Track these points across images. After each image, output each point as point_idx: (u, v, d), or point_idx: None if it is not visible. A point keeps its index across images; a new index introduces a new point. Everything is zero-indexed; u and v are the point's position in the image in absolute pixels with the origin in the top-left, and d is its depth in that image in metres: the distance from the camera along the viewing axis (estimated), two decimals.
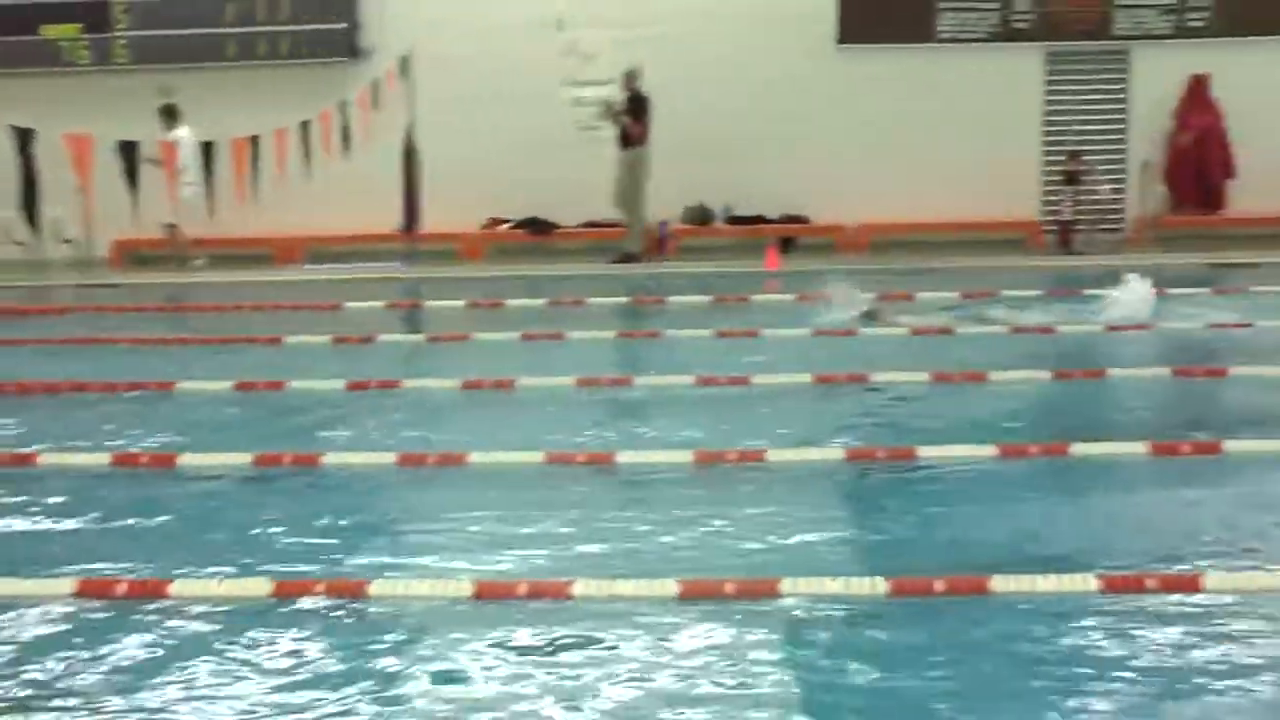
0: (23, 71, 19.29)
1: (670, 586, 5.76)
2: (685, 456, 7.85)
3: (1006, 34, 19.24)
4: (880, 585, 5.71)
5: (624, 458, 7.90)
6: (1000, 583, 5.67)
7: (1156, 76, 19.04)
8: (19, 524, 7.07)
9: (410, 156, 17.71)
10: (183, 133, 17.51)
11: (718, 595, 5.68)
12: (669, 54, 18.44)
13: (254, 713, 4.81)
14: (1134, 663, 5.02)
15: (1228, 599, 5.59)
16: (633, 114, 17.55)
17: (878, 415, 8.99)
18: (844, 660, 5.10)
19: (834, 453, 7.86)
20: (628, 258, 17.58)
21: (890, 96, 18.94)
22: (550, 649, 5.25)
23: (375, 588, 5.86)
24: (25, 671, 5.19)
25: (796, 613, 5.52)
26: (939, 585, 5.69)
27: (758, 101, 18.77)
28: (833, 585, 5.72)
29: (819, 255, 18.09)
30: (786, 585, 5.71)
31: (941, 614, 5.48)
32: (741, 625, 5.40)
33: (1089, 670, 4.96)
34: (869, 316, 12.38)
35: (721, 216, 19.24)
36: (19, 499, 7.46)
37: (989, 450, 7.79)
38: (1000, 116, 18.89)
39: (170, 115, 17.66)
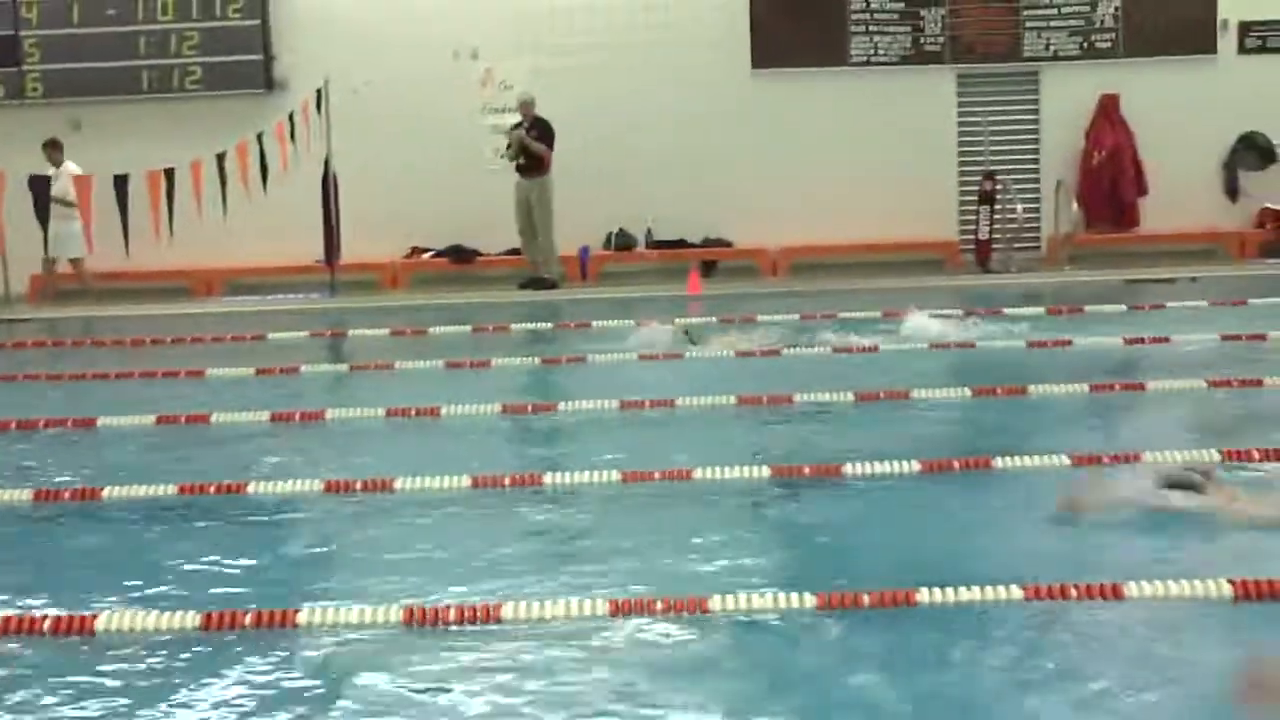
0: None
1: (601, 605, 5.77)
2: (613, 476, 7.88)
3: (919, 57, 19.48)
4: None
5: (550, 479, 7.91)
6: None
7: (1067, 97, 19.34)
8: None
9: (329, 187, 17.64)
10: (71, 167, 17.48)
11: (649, 612, 5.70)
12: (587, 81, 18.56)
13: None
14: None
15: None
16: (543, 140, 17.62)
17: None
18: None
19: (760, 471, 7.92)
20: (546, 284, 17.62)
21: (806, 120, 19.11)
22: (484, 671, 5.25)
23: (304, 616, 5.83)
24: None
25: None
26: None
27: (676, 127, 18.89)
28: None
29: (741, 279, 18.19)
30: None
31: None
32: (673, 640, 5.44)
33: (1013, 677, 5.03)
34: (688, 337, 12.66)
35: (644, 241, 19.30)
36: None
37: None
38: (916, 138, 19.10)
39: (56, 149, 17.61)
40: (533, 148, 17.58)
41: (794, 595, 5.73)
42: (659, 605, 5.74)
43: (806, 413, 9.72)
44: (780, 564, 6.51)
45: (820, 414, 9.67)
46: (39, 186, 17.32)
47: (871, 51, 19.45)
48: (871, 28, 19.44)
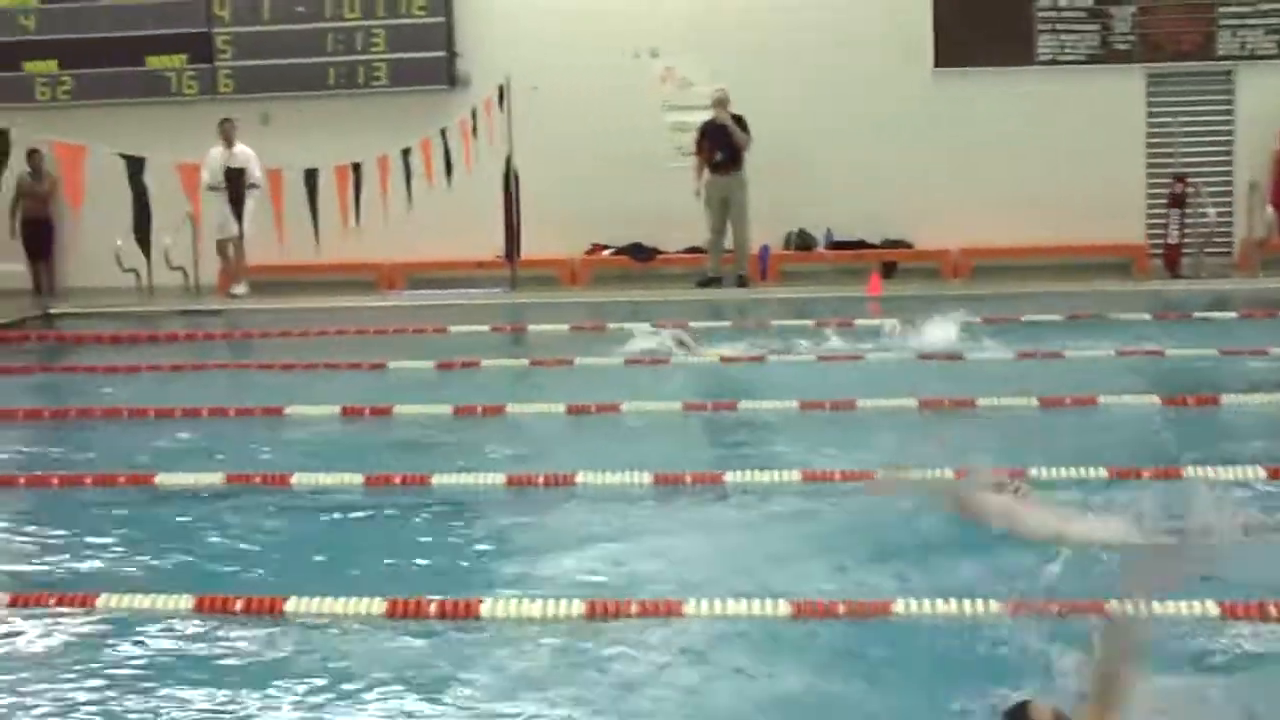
0: (131, 101, 19.65)
1: (784, 606, 5.73)
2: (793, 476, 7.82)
3: (1107, 56, 19.05)
4: None
5: (731, 478, 7.88)
6: None
7: (1263, 96, 18.76)
8: (132, 542, 7.16)
9: (510, 183, 17.79)
10: (247, 149, 17.96)
11: (831, 614, 5.64)
12: (768, 79, 18.46)
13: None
14: None
15: None
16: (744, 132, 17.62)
17: None
18: None
19: None
20: (733, 281, 17.60)
21: (990, 120, 18.80)
22: (668, 667, 5.24)
23: (486, 608, 5.87)
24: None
25: None
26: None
27: (857, 126, 18.71)
28: None
29: (922, 280, 17.97)
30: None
31: None
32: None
33: None
34: (680, 344, 12.49)
35: (823, 242, 19.16)
36: (139, 518, 7.59)
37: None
38: (1103, 139, 18.68)
39: (233, 128, 18.07)
40: (739, 138, 17.49)
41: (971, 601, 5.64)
42: (841, 609, 5.70)
43: (987, 417, 9.55)
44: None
45: (1003, 418, 9.50)
46: (231, 176, 17.70)
47: (1058, 50, 19.07)
48: (1059, 26, 19.06)
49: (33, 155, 18.41)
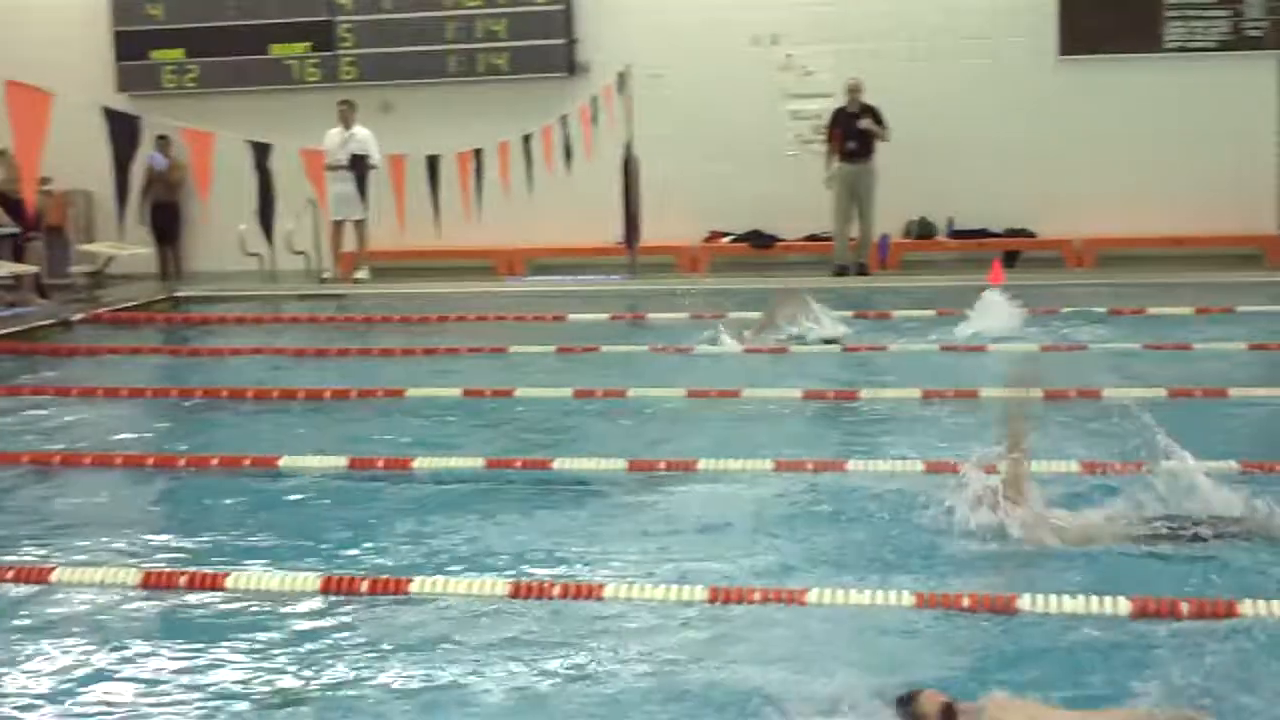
0: (254, 89, 19.91)
1: (907, 597, 5.67)
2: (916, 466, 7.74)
3: (1239, 43, 18.64)
4: None
5: (852, 466, 7.82)
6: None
7: None
8: (257, 523, 7.25)
9: (630, 170, 17.80)
10: (365, 131, 18.11)
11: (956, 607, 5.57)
12: (888, 67, 18.30)
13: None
14: None
15: None
16: (879, 124, 17.43)
17: None
18: None
19: None
20: (859, 270, 17.46)
21: (1116, 108, 18.49)
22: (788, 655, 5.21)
23: (610, 590, 5.86)
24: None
25: None
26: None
27: (980, 114, 18.49)
28: None
29: (1045, 270, 17.73)
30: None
31: None
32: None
33: None
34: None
35: (944, 230, 18.97)
36: (264, 499, 7.70)
37: None
38: (1233, 128, 18.29)
39: (352, 110, 18.26)
40: (878, 134, 17.33)
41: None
42: (965, 602, 5.63)
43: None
44: None
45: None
46: (354, 160, 17.83)
47: (1187, 37, 18.70)
48: (1188, 12, 18.69)
49: (161, 141, 18.74)
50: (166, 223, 19.44)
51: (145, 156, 18.03)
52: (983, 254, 17.84)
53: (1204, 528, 6.36)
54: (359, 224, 18.21)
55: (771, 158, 18.45)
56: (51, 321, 15.04)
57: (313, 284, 18.04)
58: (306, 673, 5.21)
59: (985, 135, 18.39)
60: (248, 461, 8.35)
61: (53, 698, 5.08)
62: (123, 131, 10.72)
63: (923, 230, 18.97)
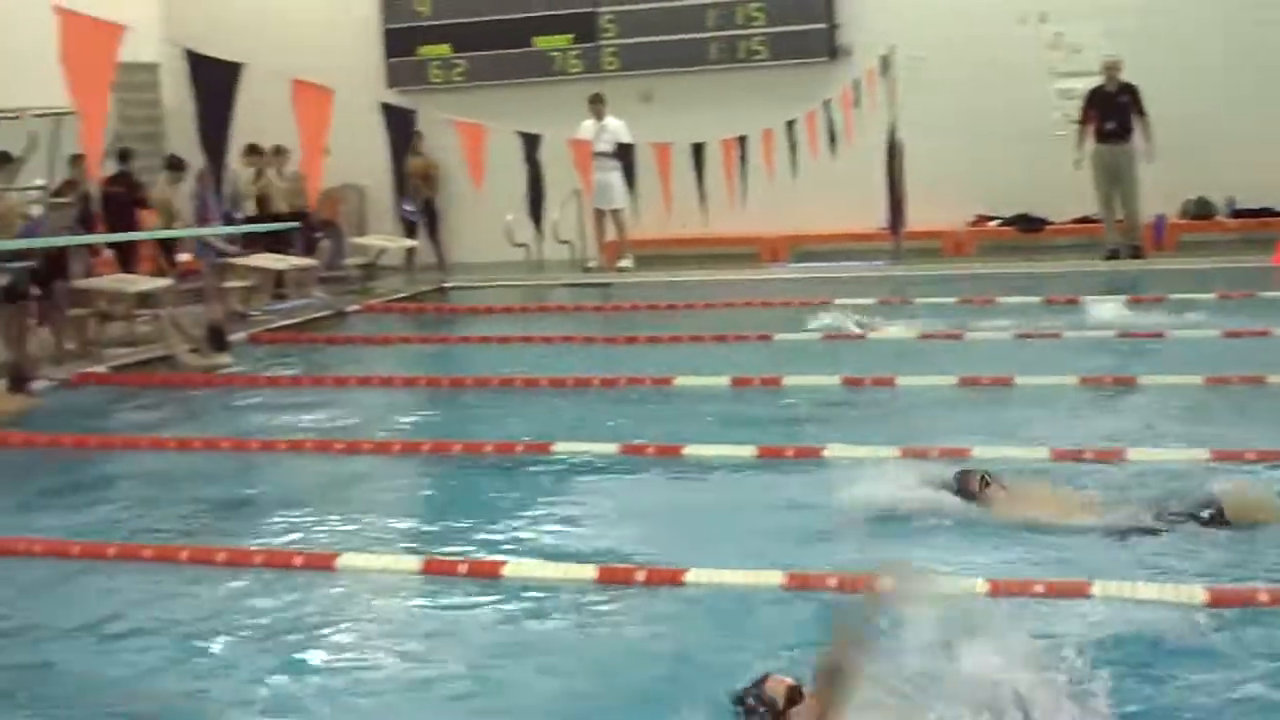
0: (518, 82, 20.20)
1: (1200, 593, 5.43)
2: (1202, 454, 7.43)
3: None
4: None
5: (1133, 455, 7.55)
6: None
7: None
8: (531, 510, 7.32)
9: (894, 154, 17.54)
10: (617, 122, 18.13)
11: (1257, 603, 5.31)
12: (1163, 42, 17.66)
13: None
14: None
15: None
16: (1137, 106, 16.84)
17: None
18: None
19: None
20: (1133, 253, 16.90)
21: None
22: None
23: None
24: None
25: None
26: None
27: (1260, 88, 17.69)
28: None
29: None
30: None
31: None
32: None
33: None
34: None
35: (1224, 210, 18.22)
36: (538, 485, 7.77)
37: None
38: None
39: (602, 104, 18.31)
40: (1141, 117, 16.76)
41: None
42: (1264, 597, 5.41)
43: None
44: None
45: None
46: (620, 150, 17.92)
47: None
48: None
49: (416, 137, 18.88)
50: (426, 216, 19.73)
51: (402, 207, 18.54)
52: (1267, 234, 17.07)
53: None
54: (616, 214, 18.31)
55: (1039, 139, 17.92)
56: (329, 313, 15.50)
57: (577, 273, 18.22)
58: (582, 664, 5.21)
59: (1268, 111, 17.58)
60: (520, 448, 8.44)
61: (348, 678, 5.18)
62: (399, 126, 10.94)
63: (1200, 210, 18.27)
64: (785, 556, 6.12)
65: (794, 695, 4.31)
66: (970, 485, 6.77)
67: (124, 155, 15.54)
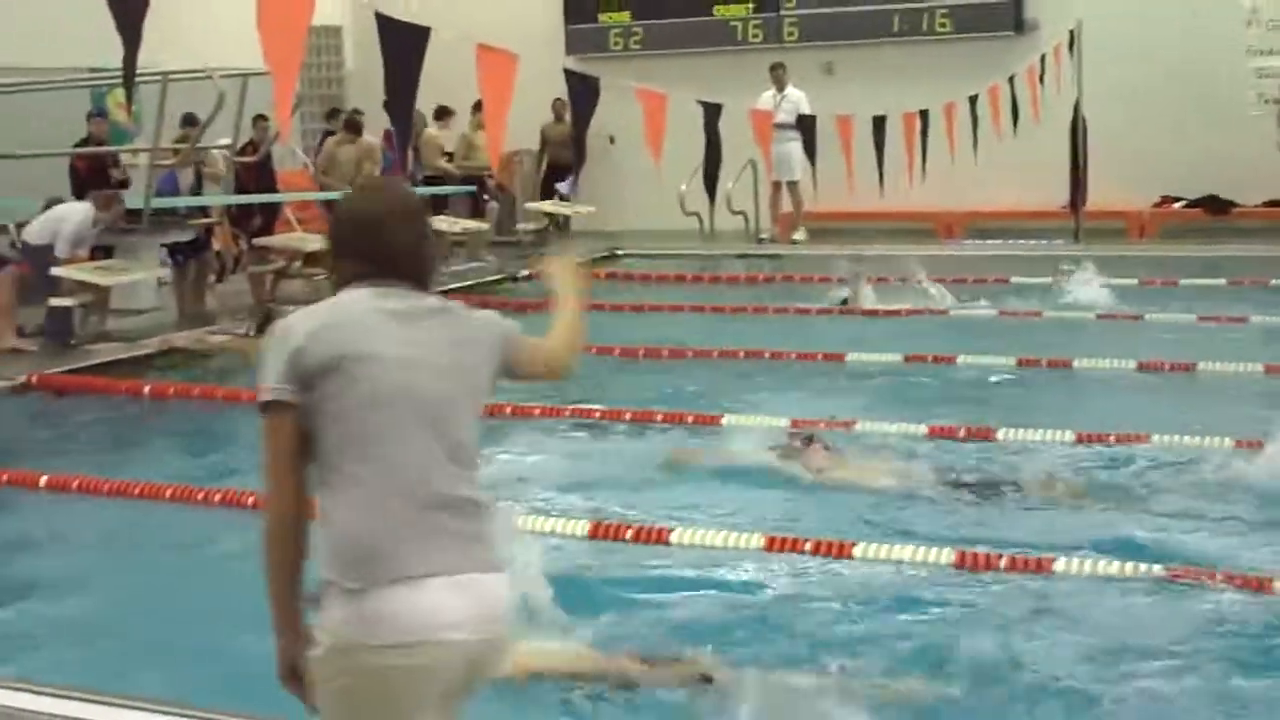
0: (695, 50, 20.13)
1: None
2: None
3: None
4: None
5: None
6: None
7: None
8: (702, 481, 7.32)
9: (1078, 131, 17.16)
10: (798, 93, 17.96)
11: None
12: None
13: None
14: None
15: None
16: None
17: None
18: None
19: None
20: None
21: None
22: None
23: (1061, 565, 5.65)
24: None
25: None
26: None
27: None
28: None
29: None
30: None
31: None
32: None
33: None
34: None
35: None
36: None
37: None
38: None
39: (783, 71, 18.11)
40: None
41: None
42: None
43: None
44: None
45: None
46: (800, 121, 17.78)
47: None
48: None
49: (557, 102, 18.76)
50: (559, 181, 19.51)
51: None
52: None
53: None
54: (792, 185, 18.17)
55: (1232, 118, 17.40)
56: (500, 277, 15.63)
57: (750, 244, 18.14)
58: (942, 647, 5.15)
59: None
60: (690, 419, 8.43)
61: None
62: (582, 93, 10.97)
63: None
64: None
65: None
66: (795, 445, 7.33)
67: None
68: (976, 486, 6.92)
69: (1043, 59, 17.43)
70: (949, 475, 7.09)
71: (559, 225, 19.18)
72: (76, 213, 11.77)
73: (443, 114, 17.33)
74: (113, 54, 6.84)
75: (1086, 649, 5.03)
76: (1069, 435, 7.72)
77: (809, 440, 7.33)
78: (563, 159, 18.40)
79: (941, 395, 9.26)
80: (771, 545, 6.09)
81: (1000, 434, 7.83)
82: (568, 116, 17.76)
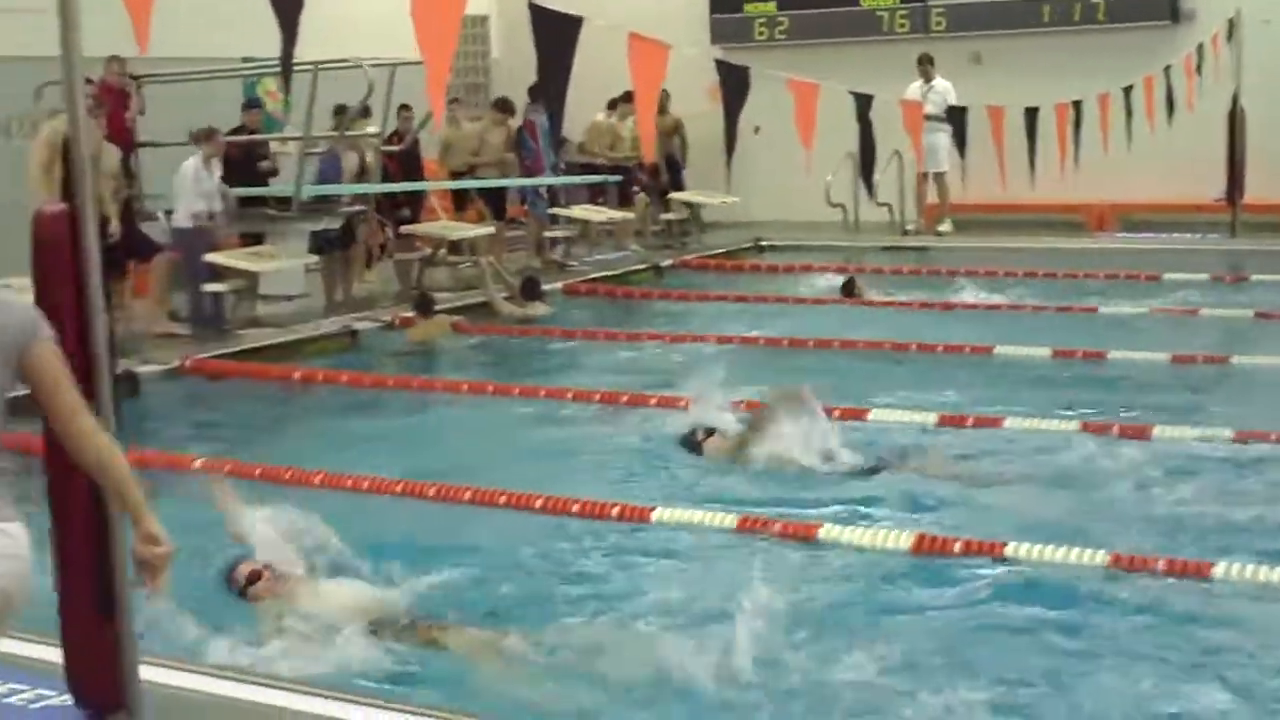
0: (841, 40, 19.95)
1: None
2: None
3: None
4: None
5: None
6: None
7: None
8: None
9: (1236, 123, 16.74)
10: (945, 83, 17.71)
11: None
12: None
13: None
14: None
15: None
16: None
17: None
18: None
19: None
20: None
21: None
22: None
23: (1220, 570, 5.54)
24: None
25: None
26: None
27: None
28: None
29: None
30: None
31: None
32: None
33: None
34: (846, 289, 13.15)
35: None
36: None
37: None
38: None
39: (930, 64, 17.87)
40: None
41: None
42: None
43: None
44: None
45: None
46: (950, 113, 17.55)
47: None
48: None
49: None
50: (670, 175, 19.28)
51: None
52: None
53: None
54: (939, 177, 17.93)
55: None
56: (645, 266, 15.64)
57: (896, 235, 17.94)
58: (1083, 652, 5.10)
59: None
60: (836, 413, 8.35)
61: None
62: (733, 83, 10.90)
63: None
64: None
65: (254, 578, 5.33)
66: (695, 437, 7.67)
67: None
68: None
69: (1199, 48, 17.02)
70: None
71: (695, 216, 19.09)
72: (188, 168, 11.98)
73: (616, 103, 17.15)
74: (264, 44, 6.91)
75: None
76: (1228, 433, 7.54)
77: (708, 433, 7.67)
78: (664, 151, 18.15)
79: (1094, 390, 9.07)
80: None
81: (1155, 431, 7.65)
82: (670, 108, 17.70)
